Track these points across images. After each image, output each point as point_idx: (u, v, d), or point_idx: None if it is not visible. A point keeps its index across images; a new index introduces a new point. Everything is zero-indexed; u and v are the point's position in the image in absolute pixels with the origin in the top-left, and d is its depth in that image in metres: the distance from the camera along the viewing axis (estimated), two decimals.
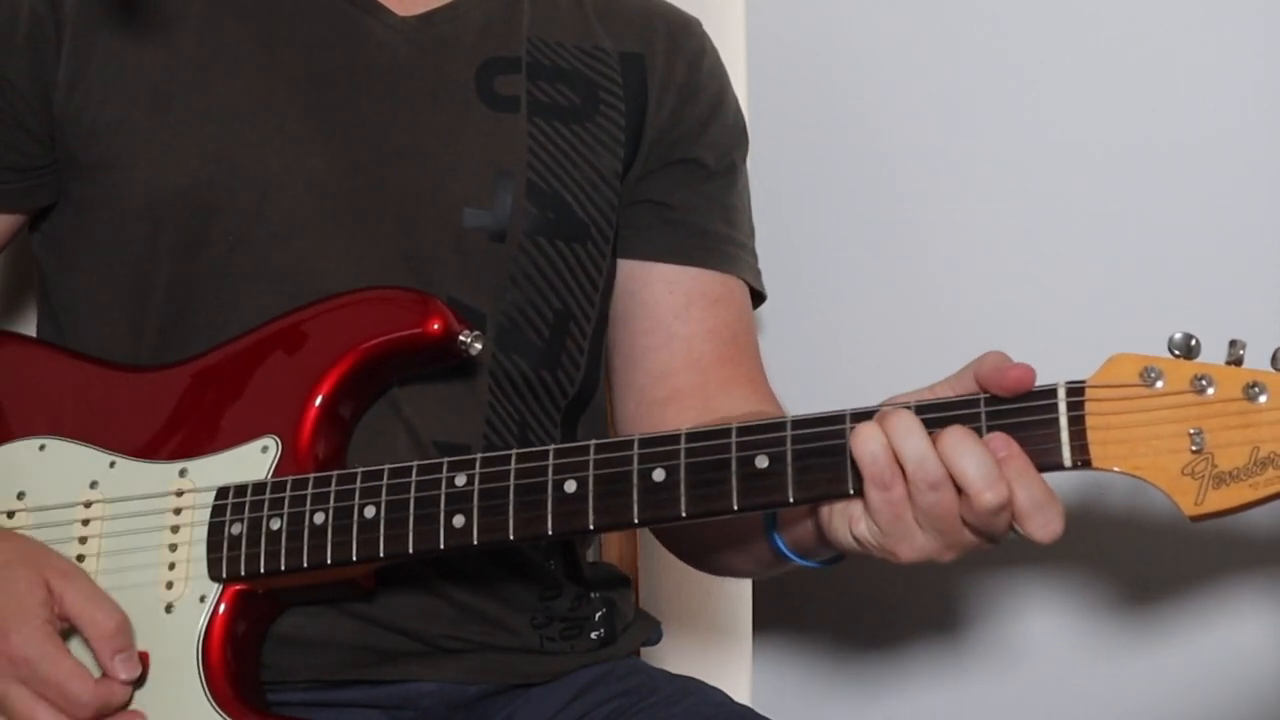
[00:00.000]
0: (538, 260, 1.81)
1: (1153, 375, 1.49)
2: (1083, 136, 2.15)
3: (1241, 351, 1.48)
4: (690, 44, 1.91)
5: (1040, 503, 1.48)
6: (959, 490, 1.48)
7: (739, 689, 2.04)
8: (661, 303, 1.88)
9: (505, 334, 1.80)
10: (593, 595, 1.86)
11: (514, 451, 1.63)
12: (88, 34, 1.79)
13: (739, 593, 2.15)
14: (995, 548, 1.53)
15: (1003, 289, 2.19)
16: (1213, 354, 1.48)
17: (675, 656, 2.12)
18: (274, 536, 1.67)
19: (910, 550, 1.51)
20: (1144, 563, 2.14)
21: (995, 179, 2.18)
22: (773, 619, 2.20)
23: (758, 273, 1.94)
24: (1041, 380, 1.51)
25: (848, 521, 1.55)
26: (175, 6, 1.81)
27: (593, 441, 1.62)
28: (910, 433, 1.48)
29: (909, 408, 1.52)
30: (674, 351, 1.87)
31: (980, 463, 1.47)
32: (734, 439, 1.57)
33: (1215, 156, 2.11)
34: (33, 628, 1.62)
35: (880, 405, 1.54)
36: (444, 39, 1.83)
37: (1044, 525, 1.48)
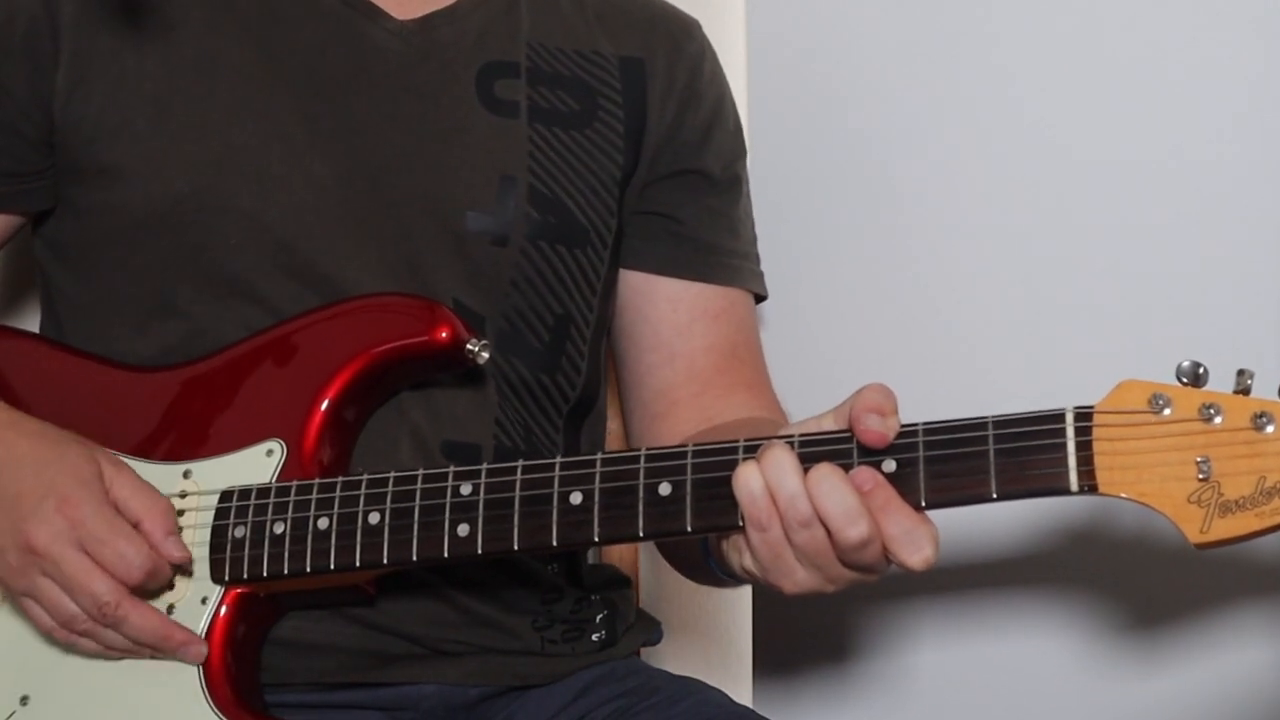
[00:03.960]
0: (539, 264, 1.82)
1: (1161, 402, 1.49)
2: (1089, 140, 2.13)
3: (1249, 381, 1.49)
4: (691, 48, 1.91)
5: (908, 530, 1.50)
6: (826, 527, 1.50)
7: (739, 689, 2.05)
8: (665, 320, 1.90)
9: (505, 337, 1.81)
10: (593, 597, 1.86)
11: (520, 463, 1.64)
12: (86, 40, 1.78)
13: (739, 593, 2.15)
14: (878, 579, 1.56)
15: (1002, 289, 2.18)
16: (1220, 379, 1.49)
17: (675, 656, 2.12)
18: (277, 540, 1.68)
19: (792, 585, 1.55)
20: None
21: (995, 178, 2.17)
22: (773, 619, 2.20)
23: (760, 275, 1.95)
24: (1048, 403, 1.52)
25: (739, 553, 1.58)
26: (174, 13, 1.80)
27: (599, 455, 1.62)
28: (783, 471, 1.51)
29: (807, 438, 1.53)
30: (676, 369, 1.89)
31: (842, 499, 1.49)
32: (740, 455, 1.57)
33: (1226, 168, 2.10)
34: (90, 491, 1.63)
35: (776, 436, 1.56)
36: (443, 43, 1.82)
37: (914, 552, 1.50)
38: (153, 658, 1.67)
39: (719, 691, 1.83)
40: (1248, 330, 2.06)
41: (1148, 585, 2.14)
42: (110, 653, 1.67)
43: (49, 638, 1.72)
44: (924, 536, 1.50)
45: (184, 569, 1.69)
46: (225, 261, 1.77)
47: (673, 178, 1.89)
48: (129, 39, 1.79)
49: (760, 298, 1.96)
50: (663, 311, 1.90)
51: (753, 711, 1.80)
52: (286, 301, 1.76)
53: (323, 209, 1.77)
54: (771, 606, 2.15)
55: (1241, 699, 2.10)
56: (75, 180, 1.80)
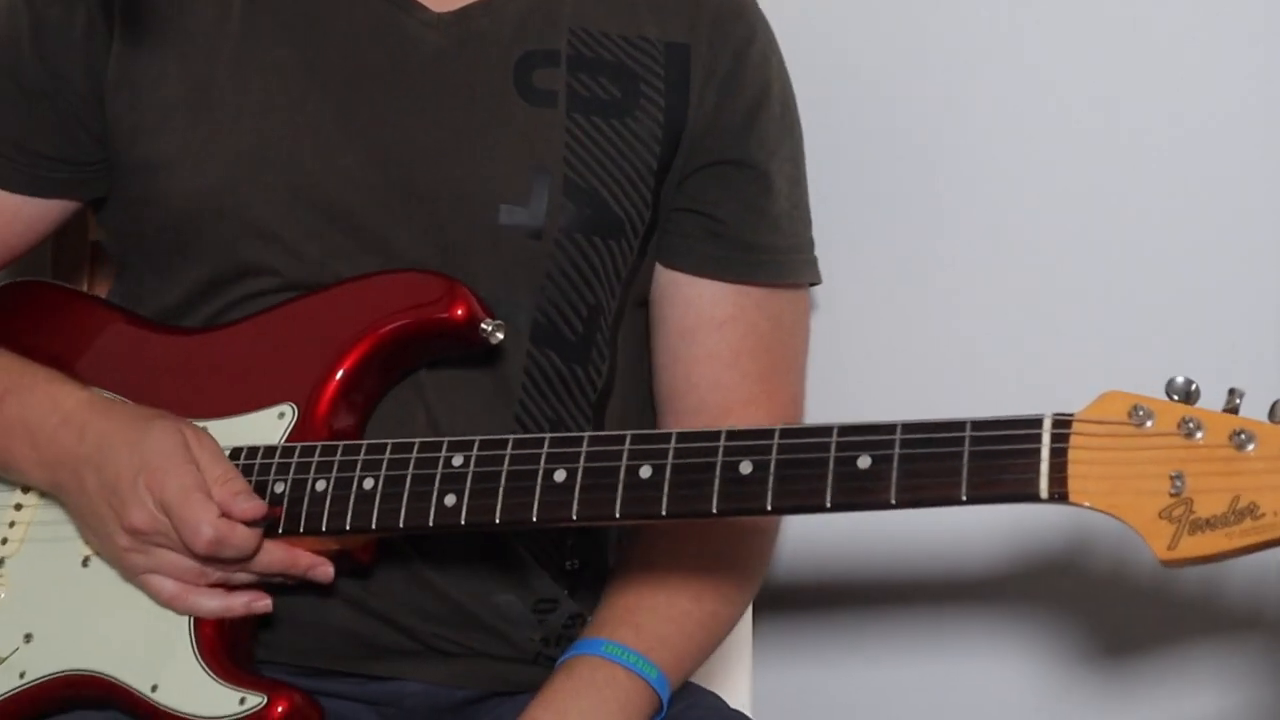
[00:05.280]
0: (574, 257, 1.80)
1: (1142, 414, 1.45)
2: (1093, 138, 2.09)
3: (1239, 401, 1.45)
4: (737, 30, 1.85)
5: None
6: None
7: (738, 694, 2.00)
8: (675, 324, 1.86)
9: (540, 330, 1.80)
10: (589, 618, 1.82)
11: (511, 437, 1.65)
12: (132, 35, 1.82)
13: None
14: None
15: (1006, 292, 2.14)
16: (1216, 396, 1.45)
17: None
18: (276, 499, 1.70)
19: None
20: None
21: (998, 179, 2.14)
22: (773, 624, 2.17)
23: (800, 264, 1.89)
24: (1033, 406, 1.50)
25: None
26: (216, 9, 1.82)
27: (587, 434, 1.63)
28: None
29: None
30: (676, 375, 1.87)
31: None
32: (722, 443, 1.57)
33: (1237, 175, 2.06)
34: (173, 461, 1.66)
35: None
36: (480, 33, 1.81)
37: None
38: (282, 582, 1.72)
39: (715, 696, 1.82)
40: (1253, 345, 2.01)
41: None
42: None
43: (53, 581, 1.77)
44: None
45: None
46: (259, 254, 1.79)
47: (711, 168, 1.83)
48: (170, 34, 1.82)
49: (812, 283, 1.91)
50: (675, 314, 1.86)
51: (746, 716, 1.79)
52: (318, 287, 1.79)
53: (354, 202, 1.78)
54: (771, 611, 2.13)
55: None
56: (120, 174, 1.84)
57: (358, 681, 1.79)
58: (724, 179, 1.84)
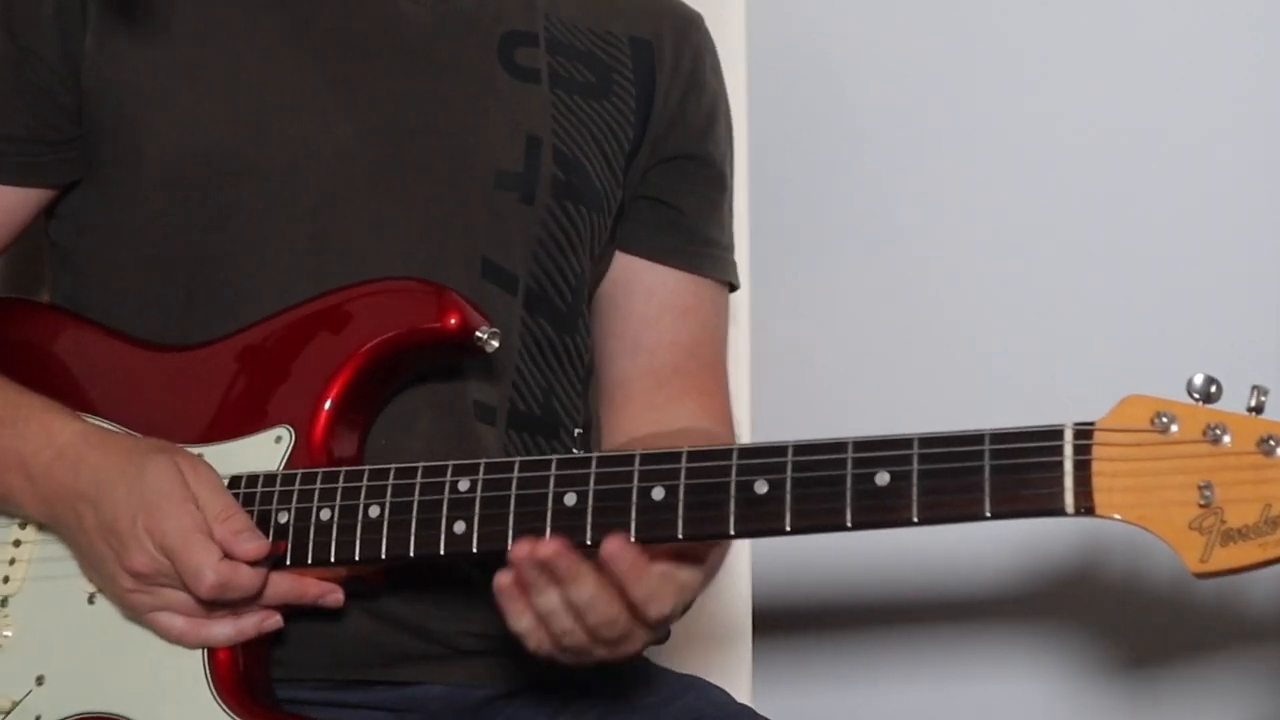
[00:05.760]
0: (563, 223, 1.84)
1: (1165, 420, 1.42)
2: (1092, 138, 2.10)
3: (1263, 398, 1.41)
4: (695, 37, 1.95)
5: (651, 593, 1.52)
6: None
7: (739, 689, 2.02)
8: (635, 311, 1.91)
9: (533, 297, 1.83)
10: None
11: (517, 459, 1.62)
12: (114, 5, 1.78)
13: (739, 593, 2.13)
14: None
15: (1004, 290, 2.15)
16: (1240, 394, 1.41)
17: (676, 656, 2.08)
18: (281, 530, 1.67)
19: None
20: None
21: (998, 178, 2.15)
22: (773, 619, 2.19)
23: (733, 265, 1.97)
24: (1050, 417, 1.46)
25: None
26: None
27: (595, 454, 1.60)
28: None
29: None
30: (636, 361, 1.90)
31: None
32: (735, 461, 1.54)
33: (1244, 171, 2.05)
34: (172, 502, 1.63)
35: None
36: (463, 12, 1.85)
37: (656, 610, 1.53)
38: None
39: (721, 690, 1.82)
40: (1255, 345, 1.99)
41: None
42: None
43: (60, 620, 1.73)
44: (666, 594, 1.53)
45: None
46: (250, 224, 1.77)
47: (675, 161, 1.91)
48: (157, 3, 1.79)
49: (733, 288, 1.97)
50: (635, 301, 1.91)
51: (752, 711, 1.78)
52: (312, 266, 1.76)
53: (350, 172, 1.77)
54: (772, 606, 2.14)
55: None
56: (100, 144, 1.81)
57: (380, 690, 1.78)
58: (686, 173, 1.92)
